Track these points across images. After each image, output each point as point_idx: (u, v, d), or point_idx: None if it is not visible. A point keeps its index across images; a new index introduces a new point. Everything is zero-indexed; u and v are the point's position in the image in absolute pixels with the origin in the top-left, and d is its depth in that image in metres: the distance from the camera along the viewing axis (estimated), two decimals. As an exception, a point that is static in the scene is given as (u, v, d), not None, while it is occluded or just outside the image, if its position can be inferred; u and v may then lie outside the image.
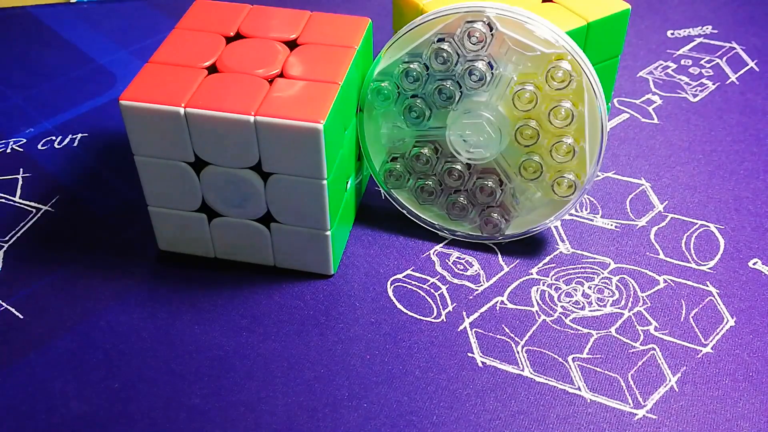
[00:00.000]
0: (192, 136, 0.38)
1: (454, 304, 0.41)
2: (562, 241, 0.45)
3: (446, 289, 0.42)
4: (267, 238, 0.41)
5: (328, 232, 0.40)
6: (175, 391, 0.37)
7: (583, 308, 0.41)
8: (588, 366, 0.38)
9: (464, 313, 0.41)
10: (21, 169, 0.49)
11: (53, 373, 0.38)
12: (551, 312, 0.41)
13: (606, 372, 0.38)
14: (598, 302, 0.41)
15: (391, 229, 0.45)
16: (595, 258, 0.44)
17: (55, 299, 0.41)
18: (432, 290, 0.42)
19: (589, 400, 0.37)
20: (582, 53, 0.39)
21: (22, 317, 0.40)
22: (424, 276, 0.43)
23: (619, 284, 0.42)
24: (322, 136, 0.36)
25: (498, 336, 0.40)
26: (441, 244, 0.44)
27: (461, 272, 0.43)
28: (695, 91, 0.56)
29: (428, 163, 0.42)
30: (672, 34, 0.62)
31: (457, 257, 0.44)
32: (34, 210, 0.46)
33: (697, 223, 0.46)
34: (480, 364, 0.38)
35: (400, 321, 0.40)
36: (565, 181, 0.41)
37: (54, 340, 0.39)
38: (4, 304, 0.41)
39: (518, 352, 0.39)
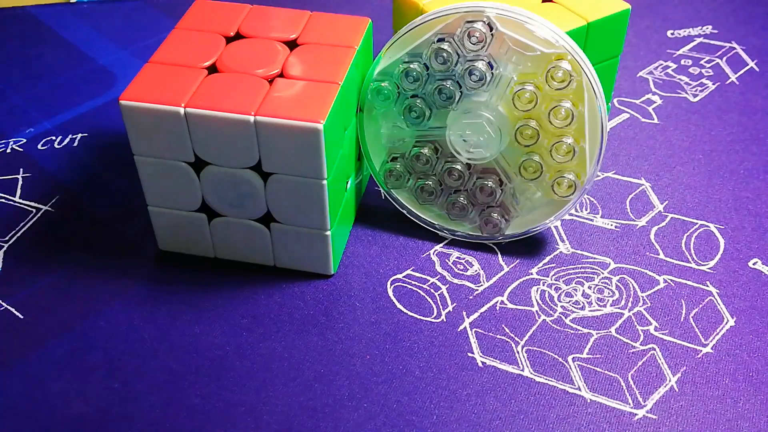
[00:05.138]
0: (192, 136, 0.38)
1: (454, 304, 0.41)
2: (562, 241, 0.45)
3: (446, 289, 0.42)
4: (267, 238, 0.41)
5: (328, 232, 0.40)
6: (175, 391, 0.37)
7: (583, 308, 0.41)
8: (588, 366, 0.38)
9: (464, 313, 0.41)
10: (21, 169, 0.49)
11: (53, 373, 0.38)
12: (551, 312, 0.41)
13: (606, 372, 0.38)
14: (598, 302, 0.41)
15: (391, 229, 0.45)
16: (595, 258, 0.44)
17: (55, 299, 0.41)
18: (432, 290, 0.42)
19: (589, 400, 0.37)
20: (582, 53, 0.39)
21: (22, 317, 0.40)
22: (424, 276, 0.43)
23: (619, 284, 0.42)
24: (322, 136, 0.36)
25: (498, 336, 0.40)
26: (441, 244, 0.44)
27: (461, 272, 0.43)
28: (695, 91, 0.56)
29: (428, 163, 0.42)
30: (672, 34, 0.62)
31: (457, 257, 0.44)
32: (34, 210, 0.46)
33: (697, 223, 0.46)
34: (480, 364, 0.38)
35: (400, 321, 0.40)
36: (565, 181, 0.41)
37: (54, 340, 0.39)
38: (4, 304, 0.41)
39: (518, 352, 0.39)
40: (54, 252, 0.44)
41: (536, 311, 0.41)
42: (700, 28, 0.62)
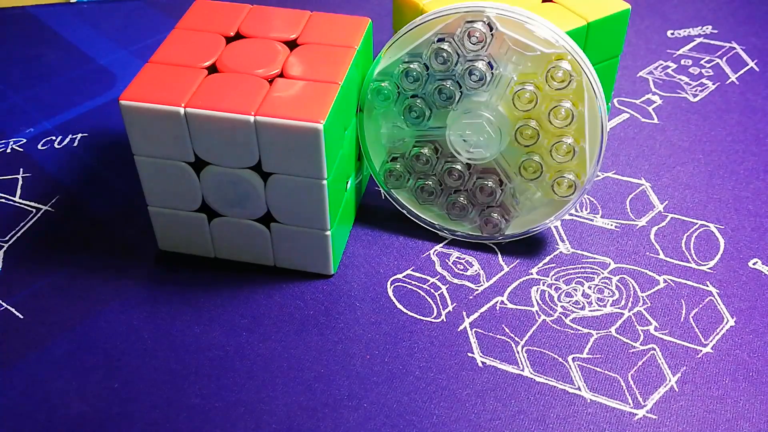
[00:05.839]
0: (192, 136, 0.38)
1: (454, 304, 0.41)
2: (562, 241, 0.45)
3: (446, 289, 0.42)
4: (267, 238, 0.41)
5: (328, 232, 0.40)
6: (175, 391, 0.37)
7: (583, 308, 0.41)
8: (588, 366, 0.38)
9: (464, 313, 0.41)
10: (21, 169, 0.49)
11: (53, 373, 0.38)
12: (551, 312, 0.41)
13: (606, 372, 0.38)
14: (598, 302, 0.41)
15: (391, 229, 0.45)
16: (595, 258, 0.44)
17: (55, 299, 0.41)
18: (432, 290, 0.42)
19: (589, 400, 0.37)
20: (582, 53, 0.39)
21: (22, 317, 0.40)
22: (424, 276, 0.43)
23: (619, 284, 0.42)
24: (322, 136, 0.36)
25: (498, 336, 0.40)
26: (441, 244, 0.44)
27: (461, 272, 0.43)
28: (695, 91, 0.56)
29: (428, 163, 0.42)
30: (672, 34, 0.62)
31: (457, 257, 0.44)
32: (34, 210, 0.46)
33: (697, 223, 0.46)
34: (480, 364, 0.38)
35: (400, 321, 0.40)
36: (565, 181, 0.41)
37: (54, 340, 0.39)
38: (4, 304, 0.41)
39: (518, 352, 0.39)
40: (54, 252, 0.44)
41: (536, 311, 0.41)
42: (700, 28, 0.62)
